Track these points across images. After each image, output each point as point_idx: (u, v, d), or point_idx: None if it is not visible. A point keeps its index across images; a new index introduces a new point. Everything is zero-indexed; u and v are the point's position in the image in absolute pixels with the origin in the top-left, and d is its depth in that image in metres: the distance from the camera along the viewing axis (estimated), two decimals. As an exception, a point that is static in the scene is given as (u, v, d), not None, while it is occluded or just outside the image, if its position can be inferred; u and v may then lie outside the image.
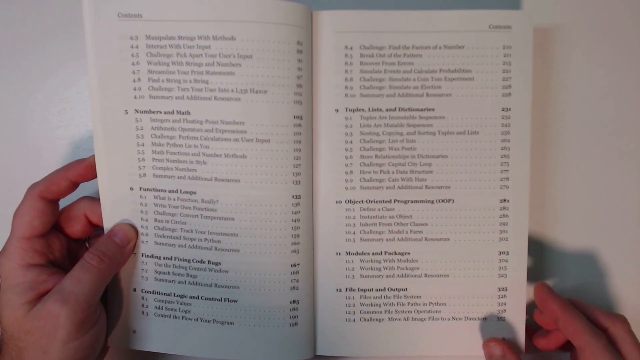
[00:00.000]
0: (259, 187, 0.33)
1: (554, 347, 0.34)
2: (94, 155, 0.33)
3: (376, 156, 0.34)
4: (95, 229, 0.35)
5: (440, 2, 0.38)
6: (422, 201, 0.34)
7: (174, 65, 0.32)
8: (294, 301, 0.34)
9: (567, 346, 0.33)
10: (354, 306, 0.35)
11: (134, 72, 0.32)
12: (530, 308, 0.35)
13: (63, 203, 0.34)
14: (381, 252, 0.35)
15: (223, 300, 0.34)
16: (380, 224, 0.34)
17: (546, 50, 0.37)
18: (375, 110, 0.34)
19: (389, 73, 0.33)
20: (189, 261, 0.34)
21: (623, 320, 0.31)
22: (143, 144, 0.33)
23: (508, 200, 0.34)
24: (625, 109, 0.38)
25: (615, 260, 0.38)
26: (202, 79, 0.32)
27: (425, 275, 0.35)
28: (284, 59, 0.32)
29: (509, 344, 0.34)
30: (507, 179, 0.34)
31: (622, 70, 0.37)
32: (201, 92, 0.32)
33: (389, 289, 0.35)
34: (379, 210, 0.34)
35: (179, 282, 0.34)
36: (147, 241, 0.34)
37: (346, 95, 0.33)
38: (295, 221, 0.33)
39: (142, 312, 0.35)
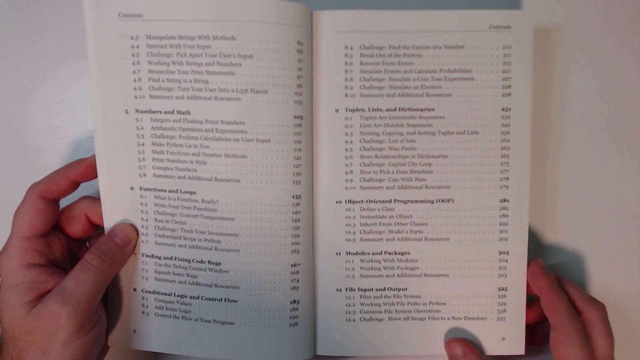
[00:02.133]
0: (259, 187, 0.33)
1: (530, 320, 0.35)
2: (94, 155, 0.33)
3: (376, 156, 0.34)
4: (96, 228, 0.35)
5: (440, 2, 0.38)
6: (422, 201, 0.34)
7: (174, 65, 0.32)
8: (294, 301, 0.34)
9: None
10: (354, 306, 0.35)
11: (134, 72, 0.32)
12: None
13: (63, 203, 0.34)
14: (381, 252, 0.35)
15: (223, 300, 0.34)
16: (380, 224, 0.34)
17: (546, 50, 0.37)
18: (375, 110, 0.34)
19: (389, 73, 0.33)
20: (189, 261, 0.34)
21: (600, 308, 0.32)
22: (143, 144, 0.33)
23: (508, 200, 0.34)
24: (625, 109, 0.38)
25: (615, 259, 0.38)
26: (202, 79, 0.32)
27: (425, 275, 0.35)
28: (284, 59, 0.32)
29: (471, 344, 0.34)
30: (507, 179, 0.34)
31: (622, 70, 0.38)
32: (201, 92, 0.32)
33: (389, 289, 0.35)
34: (379, 210, 0.34)
35: (179, 282, 0.34)
36: (147, 241, 0.34)
37: (346, 95, 0.33)
38: (296, 221, 0.33)
39: (143, 312, 0.35)
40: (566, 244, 0.38)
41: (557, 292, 0.33)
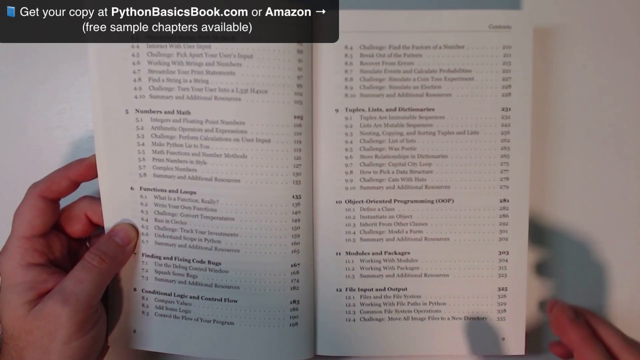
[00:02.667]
0: (259, 187, 0.33)
1: None
2: (94, 155, 0.33)
3: (376, 156, 0.34)
4: (96, 228, 0.35)
5: (440, 2, 0.38)
6: (422, 201, 0.34)
7: (174, 65, 0.32)
8: (294, 301, 0.34)
9: None
10: (354, 306, 0.35)
11: (134, 72, 0.32)
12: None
13: (64, 203, 0.34)
14: (381, 252, 0.35)
15: (223, 300, 0.34)
16: (380, 224, 0.34)
17: (546, 50, 0.37)
18: (375, 110, 0.34)
19: (389, 73, 0.33)
20: (189, 261, 0.34)
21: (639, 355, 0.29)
22: (143, 144, 0.33)
23: (508, 200, 0.34)
24: (625, 109, 0.38)
25: (615, 258, 0.38)
26: (203, 79, 0.32)
27: (425, 275, 0.35)
28: (284, 59, 0.32)
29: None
30: (507, 179, 0.34)
31: (622, 70, 0.38)
32: (201, 91, 0.32)
33: (389, 289, 0.35)
34: (379, 210, 0.34)
35: (179, 282, 0.34)
36: (147, 241, 0.34)
37: (346, 95, 0.33)
38: (296, 221, 0.33)
39: (143, 312, 0.35)
40: (566, 244, 0.38)
41: (593, 346, 0.29)
